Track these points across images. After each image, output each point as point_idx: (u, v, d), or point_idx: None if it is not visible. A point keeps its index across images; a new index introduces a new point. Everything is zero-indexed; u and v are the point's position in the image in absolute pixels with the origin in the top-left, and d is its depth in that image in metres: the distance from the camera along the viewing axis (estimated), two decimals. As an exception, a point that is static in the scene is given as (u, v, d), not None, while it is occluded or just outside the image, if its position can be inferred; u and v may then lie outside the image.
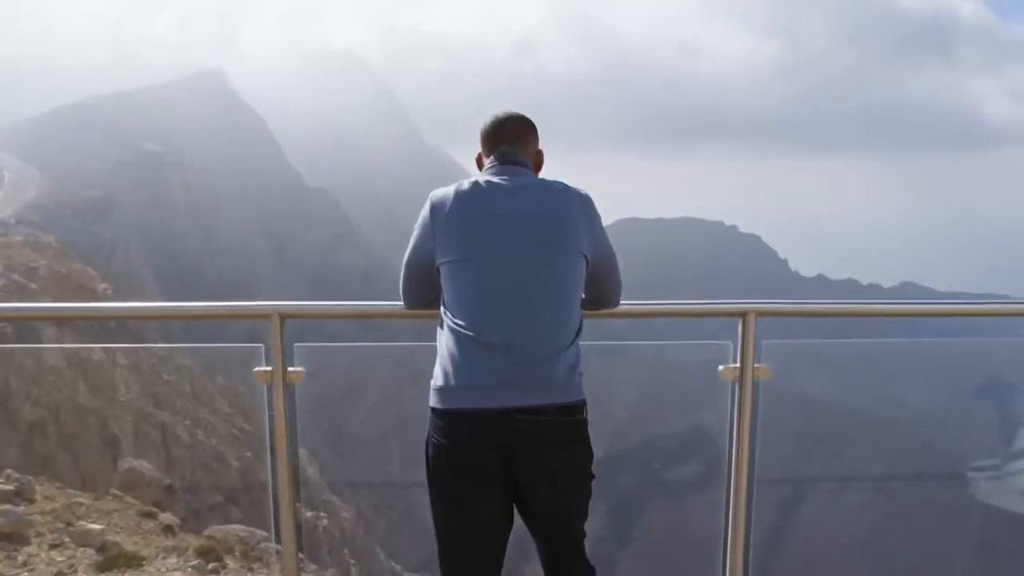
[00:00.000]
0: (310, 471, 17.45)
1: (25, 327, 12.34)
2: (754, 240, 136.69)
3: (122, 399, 13.35)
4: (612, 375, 47.94)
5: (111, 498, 6.78)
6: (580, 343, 2.43)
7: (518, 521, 2.48)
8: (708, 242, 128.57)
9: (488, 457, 2.32)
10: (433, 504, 2.46)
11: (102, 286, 20.96)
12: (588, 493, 2.47)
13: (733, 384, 3.06)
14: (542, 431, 2.31)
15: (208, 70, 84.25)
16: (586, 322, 2.49)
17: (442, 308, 2.45)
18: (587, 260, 2.47)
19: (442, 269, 2.45)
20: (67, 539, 5.06)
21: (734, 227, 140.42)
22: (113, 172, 50.59)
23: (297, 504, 3.19)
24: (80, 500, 6.28)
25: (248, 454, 14.81)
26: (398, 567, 17.01)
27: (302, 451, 16.23)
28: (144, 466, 9.17)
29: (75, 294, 18.50)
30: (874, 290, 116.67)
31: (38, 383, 12.09)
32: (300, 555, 3.21)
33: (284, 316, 2.96)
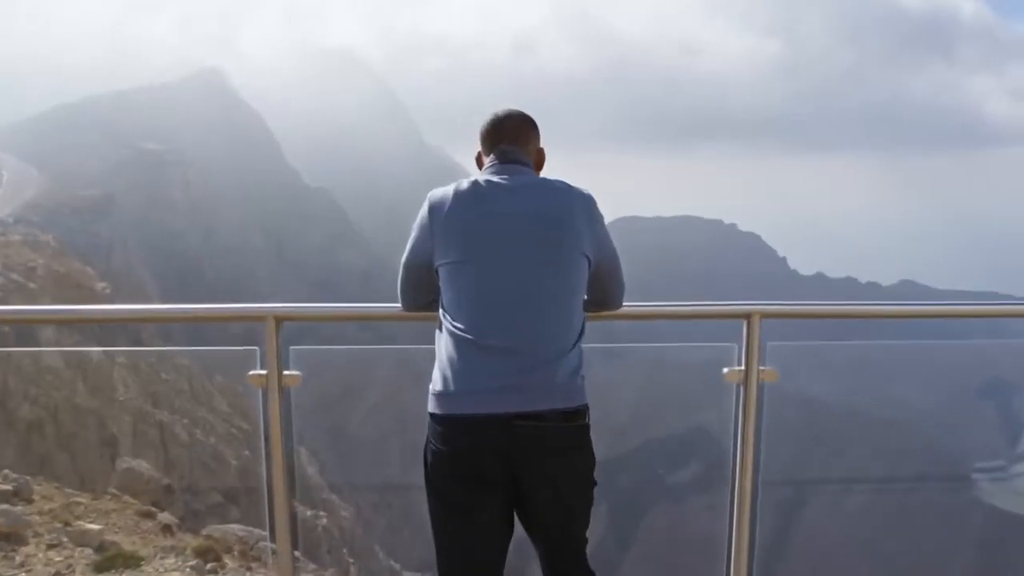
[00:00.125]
0: (310, 470, 17.45)
1: (23, 327, 12.32)
2: (753, 239, 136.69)
3: (120, 399, 13.35)
4: (612, 375, 47.95)
5: (109, 498, 6.77)
6: (582, 345, 2.39)
7: (519, 528, 2.44)
8: (708, 241, 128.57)
9: (488, 462, 2.28)
10: (432, 510, 2.41)
11: (100, 285, 20.93)
12: (590, 499, 2.42)
13: (737, 387, 3.03)
14: (542, 436, 2.27)
15: (207, 69, 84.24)
16: (588, 324, 2.44)
17: (441, 310, 2.40)
18: (590, 261, 2.43)
19: (441, 270, 2.40)
20: (65, 539, 5.04)
21: (733, 225, 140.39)
22: (112, 171, 50.60)
23: (294, 507, 3.14)
24: (78, 500, 6.27)
25: (247, 453, 14.79)
26: (397, 566, 17.02)
27: (302, 450, 16.29)
28: (142, 466, 9.15)
29: (74, 293, 18.47)
30: (872, 288, 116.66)
31: (36, 383, 12.09)
32: (296, 553, 3.18)
33: (280, 319, 2.90)
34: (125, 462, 9.22)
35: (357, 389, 41.48)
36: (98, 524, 5.61)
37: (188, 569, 5.16)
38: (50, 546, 4.92)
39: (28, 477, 6.22)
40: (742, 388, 3.02)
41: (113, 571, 4.79)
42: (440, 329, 2.39)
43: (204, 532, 6.40)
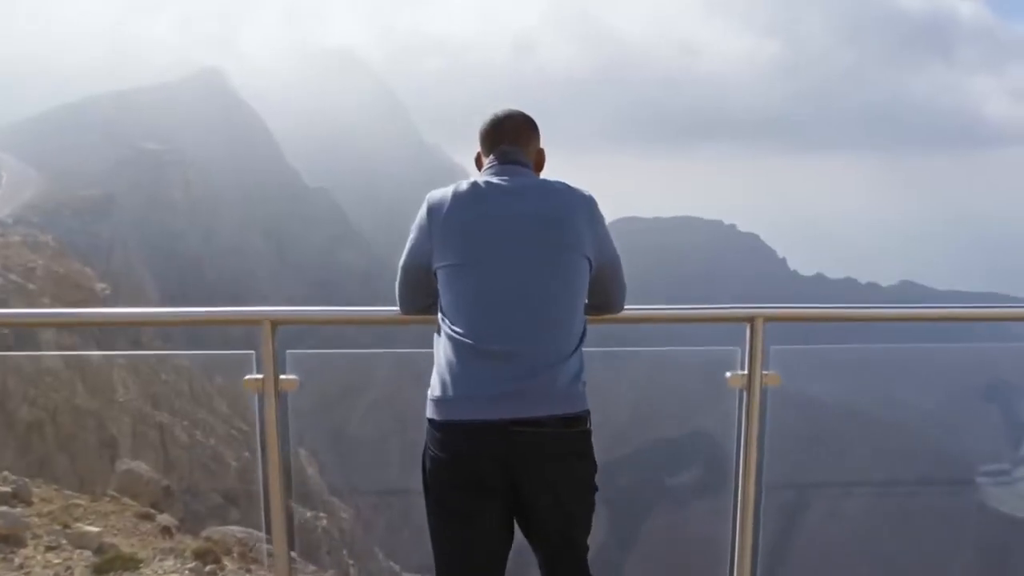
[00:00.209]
0: (309, 471, 17.42)
1: (22, 329, 12.30)
2: (753, 239, 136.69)
3: (120, 400, 13.33)
4: (611, 376, 47.91)
5: (108, 500, 6.76)
6: (584, 349, 2.36)
7: (518, 535, 2.41)
8: (707, 241, 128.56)
9: (488, 468, 2.24)
10: (430, 517, 2.37)
11: (100, 286, 20.91)
12: (591, 506, 2.39)
13: (741, 391, 3.00)
14: (542, 443, 2.23)
15: (207, 69, 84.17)
16: (588, 327, 2.41)
17: (439, 314, 2.36)
18: (591, 264, 2.39)
19: (439, 273, 2.36)
20: (64, 541, 5.03)
21: (733, 226, 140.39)
22: (112, 171, 50.54)
23: (291, 512, 3.11)
24: (77, 502, 6.26)
25: (247, 455, 14.76)
26: (397, 567, 16.98)
27: (301, 451, 16.25)
28: (142, 467, 9.14)
29: (73, 294, 18.44)
30: (872, 289, 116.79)
31: (35, 384, 12.08)
32: (292, 554, 3.16)
33: (276, 323, 2.87)
34: (124, 463, 9.22)
35: (357, 389, 41.47)
36: (97, 526, 5.60)
37: (187, 571, 5.15)
38: (49, 548, 4.90)
39: (27, 479, 6.21)
40: (745, 393, 2.99)
41: (112, 573, 4.78)
42: (438, 333, 2.35)
43: (203, 534, 6.40)
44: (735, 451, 3.04)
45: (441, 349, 2.32)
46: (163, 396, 15.31)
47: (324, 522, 13.71)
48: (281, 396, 2.90)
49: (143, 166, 53.69)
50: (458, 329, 2.28)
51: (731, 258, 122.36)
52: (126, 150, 54.86)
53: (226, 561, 5.59)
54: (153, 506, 7.14)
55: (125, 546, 5.41)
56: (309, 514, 13.03)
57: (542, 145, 2.59)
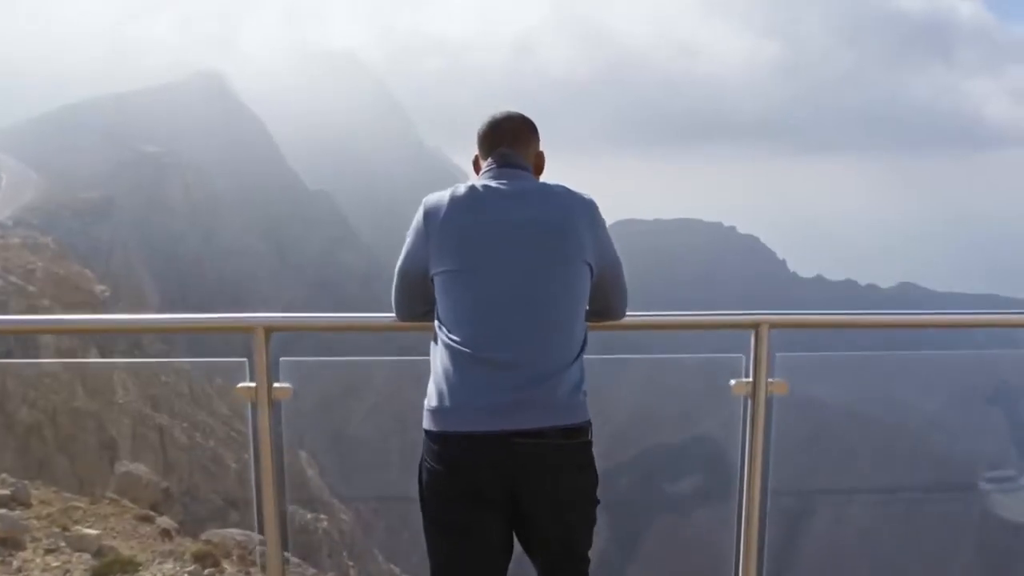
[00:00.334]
0: (309, 472, 17.40)
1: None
2: (753, 241, 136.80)
3: (119, 402, 13.30)
4: (611, 382, 47.84)
5: (107, 502, 6.75)
6: (585, 357, 2.30)
7: (517, 547, 2.36)
8: (707, 243, 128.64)
9: (486, 480, 2.18)
10: (427, 530, 2.31)
11: (100, 288, 20.89)
12: (592, 518, 2.33)
13: (745, 399, 2.94)
14: (543, 454, 2.18)
15: (207, 71, 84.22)
16: (589, 334, 2.35)
17: (436, 322, 2.30)
18: (592, 269, 2.33)
19: (436, 280, 2.30)
20: (63, 544, 5.02)
21: (733, 228, 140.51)
22: (112, 173, 50.55)
23: (285, 521, 3.05)
24: (76, 504, 6.25)
25: (247, 457, 14.72)
26: (396, 569, 16.94)
27: (302, 454, 16.21)
28: (141, 469, 9.14)
29: (73, 296, 18.43)
30: (872, 291, 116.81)
31: (35, 386, 12.07)
32: (285, 553, 3.13)
33: (269, 329, 2.81)
34: (124, 465, 9.22)
35: (355, 390, 41.41)
36: (96, 529, 5.59)
37: (186, 574, 5.13)
38: (48, 551, 4.89)
39: (26, 481, 6.20)
40: (750, 400, 2.93)
41: (110, 577, 4.77)
42: (435, 341, 2.29)
43: (203, 537, 6.38)
44: (739, 458, 2.99)
45: (438, 358, 2.26)
46: (163, 398, 15.27)
47: (324, 524, 13.67)
48: (275, 404, 2.84)
49: (143, 168, 53.75)
50: (455, 337, 2.22)
51: (731, 260, 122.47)
52: (126, 152, 54.91)
53: (225, 564, 5.58)
54: (152, 508, 7.14)
55: (124, 549, 5.41)
56: (310, 516, 12.99)
57: (541, 147, 2.53)
